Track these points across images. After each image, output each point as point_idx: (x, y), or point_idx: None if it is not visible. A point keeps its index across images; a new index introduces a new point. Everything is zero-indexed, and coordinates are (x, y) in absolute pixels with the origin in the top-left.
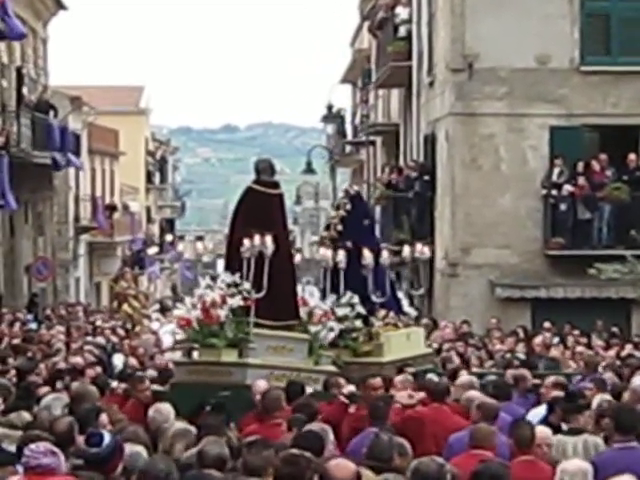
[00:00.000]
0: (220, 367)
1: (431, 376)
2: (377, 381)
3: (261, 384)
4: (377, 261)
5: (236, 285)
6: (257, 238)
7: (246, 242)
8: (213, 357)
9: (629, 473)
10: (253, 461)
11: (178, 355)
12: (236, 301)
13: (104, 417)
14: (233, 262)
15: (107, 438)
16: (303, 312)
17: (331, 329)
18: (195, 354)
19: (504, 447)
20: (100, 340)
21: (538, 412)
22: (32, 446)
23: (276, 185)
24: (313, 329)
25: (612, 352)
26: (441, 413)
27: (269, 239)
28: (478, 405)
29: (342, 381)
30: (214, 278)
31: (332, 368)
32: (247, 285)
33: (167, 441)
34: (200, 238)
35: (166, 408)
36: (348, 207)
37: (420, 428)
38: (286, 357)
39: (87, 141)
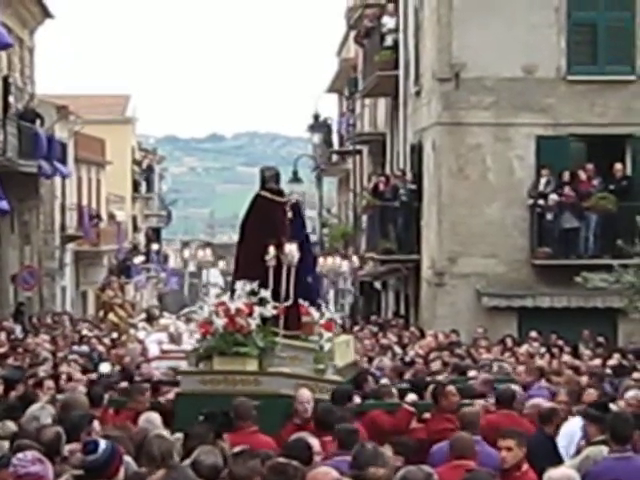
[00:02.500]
0: (245, 376)
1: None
2: (453, 388)
3: (305, 393)
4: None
5: (254, 293)
6: (287, 246)
7: (271, 250)
8: (237, 366)
9: None
10: (239, 471)
11: (168, 364)
12: (268, 310)
13: (96, 424)
14: (248, 270)
15: (103, 444)
16: (304, 322)
17: (329, 339)
18: (201, 364)
19: (489, 458)
20: (85, 349)
21: None
22: (20, 455)
23: (281, 193)
24: (311, 339)
25: (597, 361)
26: (514, 419)
27: (294, 247)
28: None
29: (394, 390)
30: (224, 288)
31: (338, 378)
32: (265, 293)
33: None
34: (208, 244)
35: (156, 418)
36: (290, 216)
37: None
38: (298, 367)
39: (73, 150)
